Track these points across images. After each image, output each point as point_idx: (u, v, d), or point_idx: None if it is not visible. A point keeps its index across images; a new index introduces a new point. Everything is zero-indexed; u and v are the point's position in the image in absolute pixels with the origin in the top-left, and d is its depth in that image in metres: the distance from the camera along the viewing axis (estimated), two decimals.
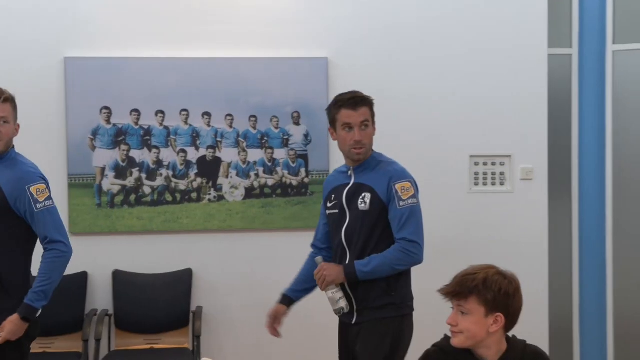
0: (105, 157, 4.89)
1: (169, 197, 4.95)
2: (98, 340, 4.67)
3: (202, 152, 4.96)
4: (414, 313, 3.40)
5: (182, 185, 4.95)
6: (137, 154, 4.91)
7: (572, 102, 5.36)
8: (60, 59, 4.84)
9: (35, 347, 4.71)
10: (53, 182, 4.76)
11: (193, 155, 4.95)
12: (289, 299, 3.53)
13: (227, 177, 4.97)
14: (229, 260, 5.01)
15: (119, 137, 4.89)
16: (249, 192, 4.99)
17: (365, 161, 3.34)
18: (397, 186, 3.25)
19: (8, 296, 3.24)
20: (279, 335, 3.55)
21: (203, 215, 4.96)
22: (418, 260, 3.26)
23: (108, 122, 4.88)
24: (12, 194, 3.21)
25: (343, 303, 3.29)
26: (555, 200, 5.30)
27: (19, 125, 3.41)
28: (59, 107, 4.86)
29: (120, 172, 4.90)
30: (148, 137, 4.91)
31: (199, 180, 4.96)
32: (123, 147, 4.90)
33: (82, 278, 4.86)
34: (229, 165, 4.97)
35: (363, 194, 3.29)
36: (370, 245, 3.28)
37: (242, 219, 4.98)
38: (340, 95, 3.37)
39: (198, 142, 4.95)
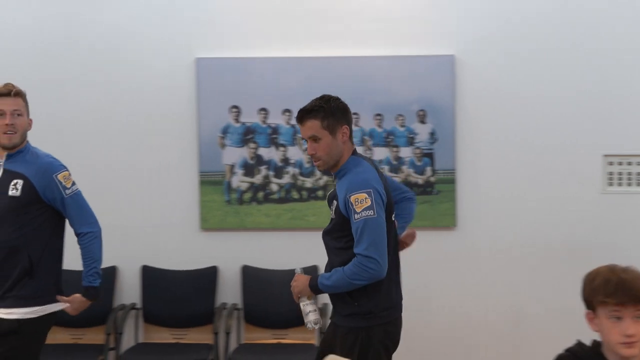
0: (235, 155, 5.01)
1: (295, 195, 5.02)
2: (228, 334, 4.81)
3: None
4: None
5: (308, 183, 5.01)
6: (265, 152, 5.01)
7: None
8: (192, 60, 4.99)
9: (169, 338, 4.93)
10: (185, 178, 5.02)
11: None
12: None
13: None
14: None
15: (247, 135, 5.00)
16: None
17: (341, 168, 3.21)
18: (352, 198, 3.06)
19: (34, 281, 3.36)
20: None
21: (329, 213, 4.98)
22: (377, 275, 3.05)
23: (237, 120, 5.00)
24: (41, 183, 3.37)
25: (312, 317, 3.20)
26: None
27: (31, 120, 3.50)
28: (190, 106, 5.02)
29: (249, 169, 5.02)
30: (275, 136, 5.00)
31: (325, 178, 5.01)
32: (251, 145, 5.01)
33: (212, 273, 5.01)
34: None
35: (333, 201, 3.22)
36: (334, 253, 3.21)
37: None
38: None
39: None
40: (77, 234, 3.48)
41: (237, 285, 5.03)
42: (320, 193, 5.00)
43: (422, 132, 4.98)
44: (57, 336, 4.93)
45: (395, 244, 3.28)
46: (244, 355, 4.73)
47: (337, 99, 3.25)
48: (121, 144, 5.05)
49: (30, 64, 4.99)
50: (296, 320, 4.90)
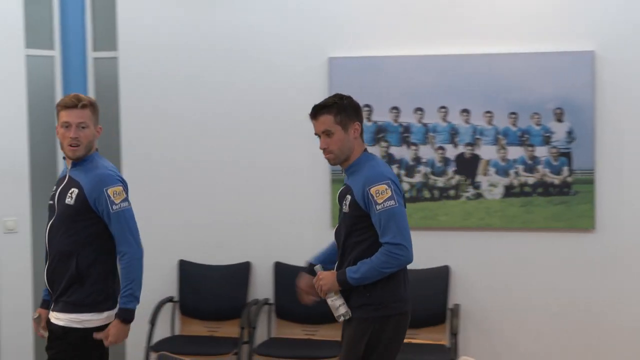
0: None
1: (427, 194, 4.98)
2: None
3: (461, 149, 4.93)
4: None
5: (440, 182, 4.96)
6: (397, 151, 5.00)
7: None
8: (325, 59, 5.04)
9: (301, 334, 4.99)
10: (316, 178, 5.08)
11: (451, 152, 4.94)
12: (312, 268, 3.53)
13: (485, 174, 4.91)
14: (487, 259, 4.94)
15: (379, 134, 5.01)
16: (508, 191, 4.88)
17: (353, 163, 3.33)
18: (372, 190, 3.19)
19: (83, 289, 3.36)
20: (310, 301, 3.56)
21: (461, 213, 4.94)
22: (405, 261, 3.21)
23: (369, 119, 5.01)
24: (92, 194, 3.35)
25: (343, 310, 3.27)
26: None
27: (100, 128, 3.50)
28: None
29: None
30: (407, 134, 4.98)
31: (457, 177, 4.94)
32: (383, 144, 5.01)
33: None
34: (488, 162, 4.90)
35: (346, 196, 3.31)
36: (348, 248, 3.30)
37: (501, 217, 4.89)
38: None
39: (456, 139, 4.93)
40: (117, 252, 3.41)
41: None
42: (452, 192, 4.94)
43: (559, 131, 4.82)
44: (192, 328, 5.14)
45: None
46: None
47: (350, 97, 3.39)
48: (255, 143, 5.17)
49: (166, 64, 5.19)
50: (427, 320, 4.89)
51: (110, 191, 3.35)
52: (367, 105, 4.99)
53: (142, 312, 5.00)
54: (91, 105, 3.42)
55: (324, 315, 4.92)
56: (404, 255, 3.18)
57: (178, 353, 3.11)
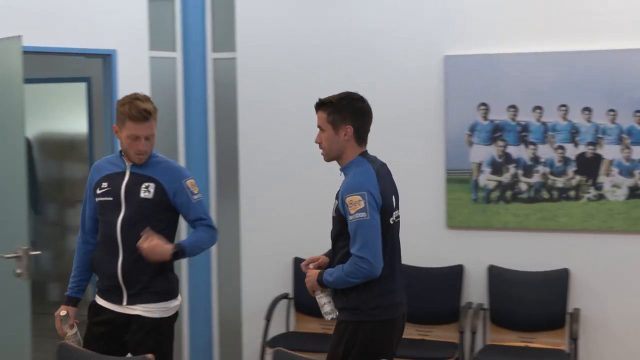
0: (482, 153, 4.94)
1: (545, 194, 4.85)
2: (473, 333, 4.76)
3: (582, 148, 4.77)
4: None
5: (559, 182, 4.82)
6: (514, 150, 4.89)
7: None
8: (441, 57, 4.99)
9: (414, 334, 4.96)
10: (432, 176, 5.04)
11: (572, 151, 4.79)
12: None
13: (608, 175, 4.73)
14: (610, 263, 4.76)
15: (495, 133, 4.91)
16: (633, 192, 4.69)
17: (346, 165, 3.33)
18: (347, 200, 3.18)
19: (166, 278, 3.48)
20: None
21: (581, 214, 4.78)
22: (369, 274, 3.15)
23: (485, 118, 4.92)
24: (171, 187, 3.46)
25: (327, 308, 3.29)
26: None
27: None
28: (438, 104, 5.02)
29: (497, 168, 4.92)
30: (525, 134, 4.86)
31: (577, 177, 4.79)
32: (500, 143, 4.91)
33: (458, 271, 4.98)
34: (611, 162, 4.72)
35: (335, 200, 3.31)
36: (336, 251, 3.32)
37: (625, 219, 4.70)
38: None
39: (577, 139, 4.77)
40: (201, 222, 3.52)
41: (484, 285, 4.96)
42: (572, 193, 4.79)
43: None
44: (307, 324, 5.19)
45: (393, 246, 3.31)
46: (490, 357, 4.66)
47: (356, 100, 3.36)
48: (370, 141, 5.16)
49: (283, 64, 5.26)
50: (545, 324, 4.78)
51: (188, 183, 3.49)
52: (483, 104, 4.91)
53: (258, 308, 5.15)
54: (156, 111, 3.46)
55: (438, 316, 4.94)
56: (367, 269, 3.13)
57: (293, 349, 3.14)
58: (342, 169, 3.35)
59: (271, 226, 5.26)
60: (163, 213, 3.47)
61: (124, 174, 3.48)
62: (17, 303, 4.27)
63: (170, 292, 3.49)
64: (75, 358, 3.10)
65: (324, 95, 5.13)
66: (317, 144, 3.36)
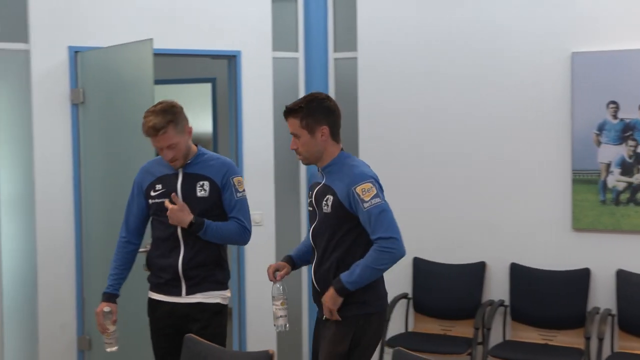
0: (611, 152, 4.76)
1: None
2: (601, 340, 4.59)
3: None
4: None
5: None
6: None
7: None
8: (568, 55, 4.84)
9: (537, 338, 4.85)
10: (557, 176, 4.89)
11: None
12: (292, 261, 3.57)
13: None
14: None
15: (626, 132, 4.72)
16: None
17: (331, 162, 3.34)
18: (357, 189, 3.21)
19: (222, 268, 3.62)
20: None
21: None
22: (399, 254, 3.21)
23: (615, 117, 4.74)
24: (222, 183, 3.55)
25: (282, 321, 3.33)
26: None
27: (191, 128, 3.60)
28: (564, 102, 4.87)
29: (627, 168, 4.73)
30: None
31: None
32: (630, 142, 4.71)
33: (584, 275, 4.82)
34: None
35: (327, 196, 3.29)
36: (329, 248, 3.29)
37: None
38: None
39: None
40: (232, 219, 3.59)
41: (612, 290, 4.77)
42: None
43: None
44: (426, 325, 5.16)
45: None
46: None
47: (323, 99, 3.35)
48: (495, 140, 5.09)
49: (404, 63, 5.23)
50: None
51: (235, 180, 3.57)
52: (613, 102, 4.73)
53: None
54: (169, 123, 3.47)
55: (563, 320, 4.80)
56: (397, 248, 3.19)
57: (412, 349, 3.12)
58: (322, 169, 3.37)
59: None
60: (219, 209, 3.58)
61: (176, 175, 3.60)
62: (146, 296, 4.42)
63: (225, 283, 3.65)
64: (198, 351, 3.18)
65: (449, 95, 5.15)
66: (293, 150, 3.39)
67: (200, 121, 7.51)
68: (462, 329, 5.03)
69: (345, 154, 3.40)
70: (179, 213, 3.47)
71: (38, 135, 4.72)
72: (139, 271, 4.02)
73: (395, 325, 5.15)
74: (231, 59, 5.24)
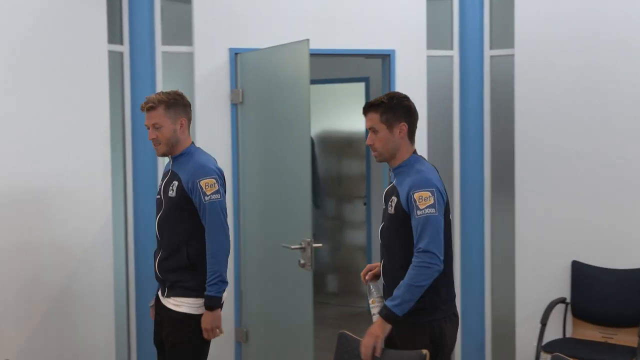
0: None
1: None
2: None
3: None
4: None
5: None
6: None
7: None
8: None
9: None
10: None
11: None
12: None
13: None
14: None
15: None
16: None
17: (402, 164, 3.35)
18: (416, 195, 3.20)
19: (196, 273, 3.50)
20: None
21: None
22: (437, 269, 3.17)
23: None
24: (187, 185, 3.47)
25: (374, 319, 3.27)
26: None
27: (184, 120, 3.57)
28: None
29: None
30: None
31: None
32: None
33: None
34: None
35: (392, 198, 3.31)
36: (393, 248, 3.32)
37: None
38: None
39: None
40: (206, 241, 3.50)
41: None
42: None
43: None
44: (585, 332, 4.96)
45: (451, 242, 3.33)
46: None
47: (404, 98, 3.38)
48: (626, 138, 4.85)
49: (563, 60, 5.04)
50: None
51: (202, 182, 3.47)
52: None
53: (533, 311, 5.00)
54: (162, 103, 3.52)
55: None
56: (435, 263, 3.17)
57: (570, 356, 3.01)
58: (394, 169, 3.38)
59: (548, 228, 5.08)
60: (188, 211, 3.52)
61: (168, 173, 3.65)
62: (301, 292, 4.53)
63: (197, 290, 3.52)
64: (353, 348, 3.21)
65: (609, 92, 4.94)
66: (369, 145, 3.39)
67: (353, 121, 7.58)
68: (625, 337, 4.79)
69: (416, 157, 3.40)
70: (210, 321, 3.51)
71: (200, 133, 4.92)
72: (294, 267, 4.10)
73: (553, 331, 4.99)
74: (385, 58, 5.25)
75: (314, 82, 4.56)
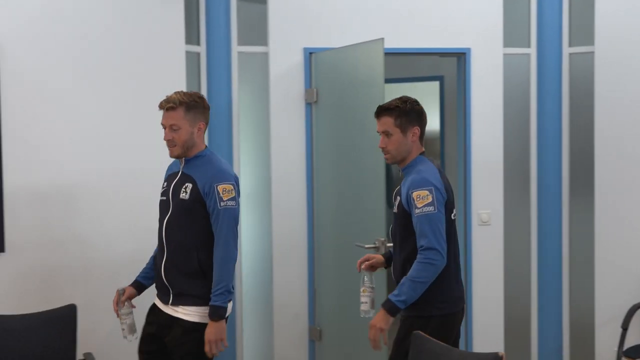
0: None
1: None
2: None
3: None
4: None
5: None
6: None
7: None
8: None
9: None
10: None
11: None
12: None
13: None
14: None
15: None
16: None
17: (409, 164, 3.46)
18: (414, 194, 3.31)
19: (205, 281, 3.39)
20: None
21: None
22: (440, 264, 3.28)
23: None
24: (204, 188, 3.38)
25: (362, 307, 3.56)
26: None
27: (202, 124, 3.48)
28: None
29: None
30: None
31: None
32: None
33: None
34: None
35: (397, 197, 3.46)
36: (400, 245, 3.44)
37: None
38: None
39: None
40: (214, 248, 3.39)
41: None
42: None
43: None
44: None
45: (455, 241, 3.44)
46: None
47: (415, 101, 3.51)
48: None
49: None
50: None
51: (220, 187, 3.38)
52: None
53: (613, 315, 4.87)
54: (182, 105, 3.41)
55: None
56: (437, 259, 3.26)
57: None
58: (403, 169, 3.49)
59: (629, 229, 4.93)
60: (201, 214, 3.41)
61: (176, 174, 3.54)
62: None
63: (205, 298, 3.39)
64: (427, 348, 3.19)
65: None
66: (381, 148, 3.48)
67: (428, 119, 7.51)
68: None
69: (421, 158, 3.49)
70: (214, 332, 3.37)
71: (275, 133, 4.96)
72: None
73: (634, 335, 4.85)
74: (460, 57, 5.20)
75: (387, 80, 4.54)
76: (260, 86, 5.02)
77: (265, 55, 5.01)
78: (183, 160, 3.51)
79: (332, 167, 4.99)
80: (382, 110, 3.49)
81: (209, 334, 3.36)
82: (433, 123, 7.53)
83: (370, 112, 4.54)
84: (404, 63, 6.79)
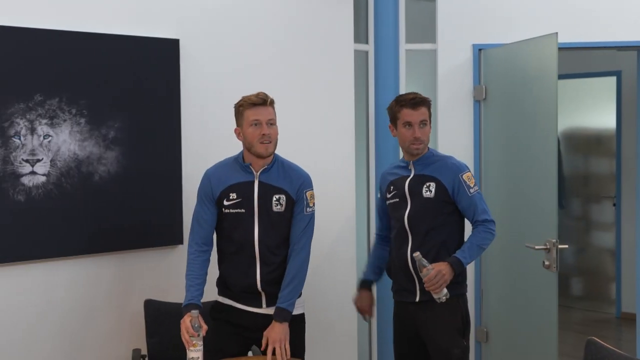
0: None
1: None
2: None
3: None
4: None
5: None
6: None
7: None
8: None
9: None
10: None
11: None
12: (369, 283, 3.89)
13: None
14: None
15: None
16: None
17: (424, 155, 3.62)
18: (464, 177, 3.57)
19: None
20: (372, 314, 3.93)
21: None
22: (495, 235, 3.56)
23: None
24: (295, 196, 3.40)
25: (445, 290, 3.43)
26: None
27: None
28: None
29: None
30: None
31: None
32: None
33: None
34: None
35: (428, 184, 3.56)
36: (434, 230, 3.55)
37: None
38: (402, 95, 3.69)
39: None
40: (293, 250, 3.42)
41: None
42: None
43: None
44: None
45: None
46: None
47: None
48: None
49: None
50: None
51: (308, 194, 3.44)
52: None
53: None
54: (273, 102, 3.42)
55: None
56: (495, 230, 3.57)
57: None
58: (414, 162, 3.62)
59: None
60: (289, 221, 3.43)
61: (252, 184, 3.38)
62: (544, 294, 4.39)
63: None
64: (603, 356, 3.06)
65: None
66: (416, 138, 3.56)
67: (603, 116, 7.22)
68: None
69: (432, 148, 3.71)
70: (280, 333, 3.30)
71: (442, 130, 4.92)
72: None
73: None
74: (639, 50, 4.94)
75: (559, 76, 4.39)
76: (427, 84, 5.00)
77: (434, 52, 4.98)
78: (260, 169, 3.41)
79: (501, 166, 4.88)
80: (420, 101, 3.62)
81: (277, 333, 3.30)
82: (609, 120, 7.22)
83: (543, 110, 4.44)
84: (578, 57, 6.56)
